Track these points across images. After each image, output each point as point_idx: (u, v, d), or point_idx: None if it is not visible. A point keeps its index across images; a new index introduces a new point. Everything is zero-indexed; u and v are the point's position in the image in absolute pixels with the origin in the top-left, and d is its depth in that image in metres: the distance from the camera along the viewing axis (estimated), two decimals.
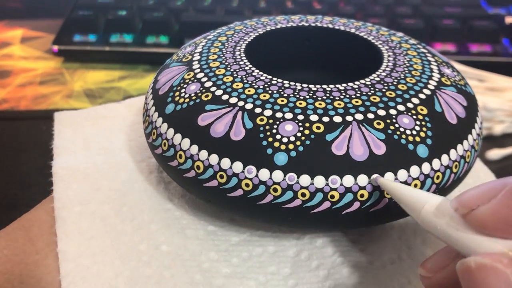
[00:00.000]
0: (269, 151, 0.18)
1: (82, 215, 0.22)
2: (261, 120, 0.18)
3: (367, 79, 0.21)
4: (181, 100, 0.20)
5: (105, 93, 0.38)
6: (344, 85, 0.20)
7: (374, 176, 0.18)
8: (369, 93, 0.20)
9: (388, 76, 0.21)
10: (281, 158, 0.18)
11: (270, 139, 0.18)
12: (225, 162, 0.18)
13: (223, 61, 0.22)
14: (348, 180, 0.18)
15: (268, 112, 0.19)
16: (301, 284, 0.20)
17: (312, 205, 0.18)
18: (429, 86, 0.21)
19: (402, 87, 0.20)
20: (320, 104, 0.19)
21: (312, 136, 0.18)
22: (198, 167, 0.19)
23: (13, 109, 0.36)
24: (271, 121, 0.18)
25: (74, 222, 0.21)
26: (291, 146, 0.18)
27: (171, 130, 0.20)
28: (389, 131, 0.18)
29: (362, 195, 0.18)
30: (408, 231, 0.22)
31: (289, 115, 0.19)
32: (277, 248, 0.21)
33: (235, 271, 0.20)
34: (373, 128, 0.18)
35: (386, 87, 0.20)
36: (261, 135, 0.18)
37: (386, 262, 0.21)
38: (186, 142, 0.19)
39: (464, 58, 0.40)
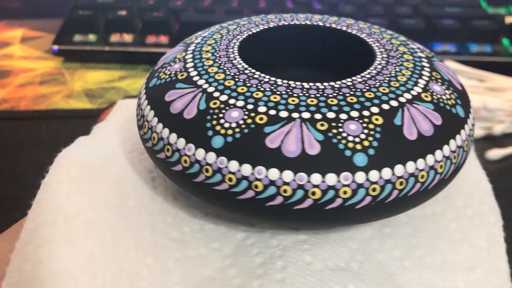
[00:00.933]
0: (210, 133, 0.19)
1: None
2: (214, 103, 0.19)
3: (338, 82, 0.21)
4: (163, 76, 0.22)
5: (105, 93, 0.38)
6: (311, 84, 0.20)
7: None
8: (330, 95, 0.20)
9: (363, 82, 0.21)
10: (218, 141, 0.18)
11: (214, 122, 0.19)
12: (172, 137, 0.20)
13: (215, 53, 0.23)
14: (273, 173, 0.18)
15: (223, 97, 0.20)
16: (236, 265, 0.21)
17: (237, 191, 0.19)
18: (399, 98, 0.20)
19: (369, 94, 0.20)
20: (275, 97, 0.19)
21: (252, 126, 0.18)
22: (154, 139, 0.20)
23: (13, 109, 0.36)
24: (222, 105, 0.19)
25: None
26: (229, 132, 0.19)
27: (146, 104, 0.22)
28: (330, 134, 0.18)
29: (285, 191, 0.18)
30: (369, 246, 0.22)
31: (240, 103, 0.19)
32: (229, 229, 0.22)
33: (182, 238, 0.21)
34: (314, 129, 0.18)
35: (351, 93, 0.20)
36: (208, 117, 0.19)
37: (327, 267, 0.20)
38: (151, 114, 0.21)
39: (464, 58, 0.40)
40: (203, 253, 0.21)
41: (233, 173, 0.18)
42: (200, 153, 0.19)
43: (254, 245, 0.22)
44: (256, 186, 0.18)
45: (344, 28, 0.26)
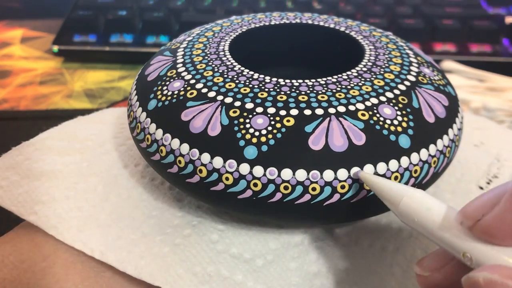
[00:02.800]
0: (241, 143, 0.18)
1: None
2: (234, 112, 0.19)
3: (332, 78, 0.21)
4: (163, 98, 0.21)
5: (105, 93, 0.38)
6: (313, 80, 0.21)
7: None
8: (320, 92, 0.20)
9: (357, 77, 0.21)
10: (250, 152, 0.18)
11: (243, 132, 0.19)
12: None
13: (206, 57, 0.23)
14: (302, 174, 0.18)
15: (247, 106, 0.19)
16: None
17: (265, 195, 0.18)
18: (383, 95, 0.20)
19: (353, 92, 0.20)
20: (281, 97, 0.20)
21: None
22: (180, 162, 0.19)
23: (13, 109, 0.36)
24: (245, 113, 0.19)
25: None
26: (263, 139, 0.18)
27: (154, 125, 0.21)
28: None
29: (314, 189, 0.18)
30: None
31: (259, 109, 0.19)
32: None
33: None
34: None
35: (338, 89, 0.20)
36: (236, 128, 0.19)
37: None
38: (167, 137, 0.20)
39: (464, 58, 0.40)
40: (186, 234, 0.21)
41: (258, 179, 0.18)
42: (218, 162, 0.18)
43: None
44: (286, 188, 0.18)
45: (332, 26, 0.26)
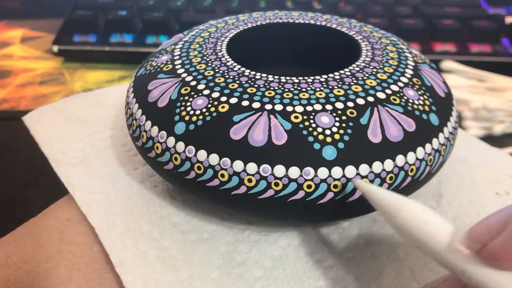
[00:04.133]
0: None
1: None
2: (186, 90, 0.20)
3: (312, 77, 0.21)
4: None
5: None
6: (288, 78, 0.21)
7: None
8: (303, 89, 0.20)
9: (350, 76, 0.21)
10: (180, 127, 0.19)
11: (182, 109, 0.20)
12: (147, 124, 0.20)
13: (205, 59, 0.23)
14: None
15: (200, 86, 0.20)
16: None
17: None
18: (369, 98, 0.20)
19: (338, 93, 0.20)
20: (287, 94, 0.20)
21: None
22: (223, 175, 0.19)
23: (13, 109, 0.36)
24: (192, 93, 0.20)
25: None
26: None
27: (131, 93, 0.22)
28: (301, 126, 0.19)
29: (309, 186, 0.18)
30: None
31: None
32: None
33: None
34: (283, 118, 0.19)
35: (322, 88, 0.20)
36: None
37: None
38: (134, 102, 0.22)
39: (464, 58, 0.40)
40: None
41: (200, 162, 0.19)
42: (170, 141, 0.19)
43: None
44: (223, 175, 0.18)
45: (334, 26, 0.26)
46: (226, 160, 0.18)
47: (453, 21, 0.43)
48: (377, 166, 0.18)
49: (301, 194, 0.18)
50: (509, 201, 0.24)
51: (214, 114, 0.19)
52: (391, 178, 0.18)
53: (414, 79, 0.22)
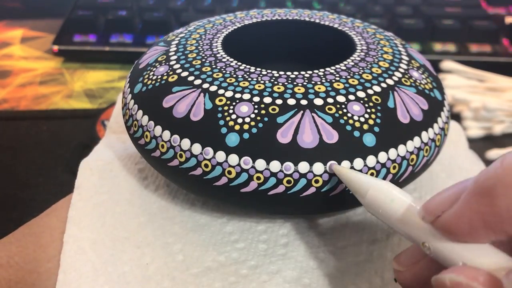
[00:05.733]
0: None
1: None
2: (220, 100, 0.19)
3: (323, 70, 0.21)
4: (149, 82, 0.21)
5: (105, 93, 0.38)
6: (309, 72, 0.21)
7: (330, 163, 0.18)
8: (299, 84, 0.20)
9: (346, 69, 0.21)
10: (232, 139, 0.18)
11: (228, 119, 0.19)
12: (185, 143, 0.19)
13: (200, 52, 0.23)
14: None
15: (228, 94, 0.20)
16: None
17: (239, 184, 0.18)
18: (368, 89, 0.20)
19: (318, 88, 0.20)
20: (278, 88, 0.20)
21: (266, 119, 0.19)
22: (163, 146, 0.20)
23: (13, 109, 0.36)
24: (228, 102, 0.19)
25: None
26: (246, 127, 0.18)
27: (140, 112, 0.21)
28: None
29: (316, 181, 0.18)
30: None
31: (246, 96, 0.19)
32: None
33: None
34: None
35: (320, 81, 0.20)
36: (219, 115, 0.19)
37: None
38: (150, 122, 0.20)
39: (464, 58, 0.40)
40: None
41: (233, 167, 0.18)
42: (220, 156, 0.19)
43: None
44: (259, 178, 0.18)
45: (327, 23, 0.26)
46: (288, 165, 0.18)
47: (453, 21, 0.43)
48: (409, 145, 0.19)
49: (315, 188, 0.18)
50: None
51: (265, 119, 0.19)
52: (426, 150, 0.20)
53: (412, 61, 0.23)
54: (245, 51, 0.24)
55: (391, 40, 0.24)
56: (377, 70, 0.21)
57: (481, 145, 0.30)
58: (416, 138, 0.20)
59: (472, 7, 0.46)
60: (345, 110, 0.19)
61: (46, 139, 0.31)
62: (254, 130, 0.18)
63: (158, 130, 0.20)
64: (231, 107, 0.19)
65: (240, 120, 0.19)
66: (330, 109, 0.19)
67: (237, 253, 0.20)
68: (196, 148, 0.19)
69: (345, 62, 0.22)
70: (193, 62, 0.22)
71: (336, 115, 0.19)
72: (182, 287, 0.19)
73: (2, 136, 0.33)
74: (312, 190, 0.18)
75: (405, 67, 0.22)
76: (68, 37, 0.42)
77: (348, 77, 0.20)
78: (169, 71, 0.21)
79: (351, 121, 0.19)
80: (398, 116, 0.19)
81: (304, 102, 0.19)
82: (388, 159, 0.19)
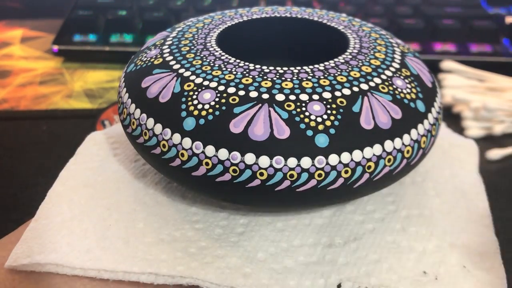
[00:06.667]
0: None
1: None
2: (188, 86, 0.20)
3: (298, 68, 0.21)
4: (139, 63, 0.23)
5: (105, 93, 0.38)
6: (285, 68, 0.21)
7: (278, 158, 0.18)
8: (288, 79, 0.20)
9: (335, 67, 0.21)
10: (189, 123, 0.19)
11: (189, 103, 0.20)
12: (150, 122, 0.20)
13: (192, 40, 0.24)
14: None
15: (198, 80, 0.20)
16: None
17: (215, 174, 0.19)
18: (361, 85, 0.20)
19: (324, 82, 0.20)
20: (247, 80, 0.20)
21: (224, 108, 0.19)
22: (133, 124, 0.21)
23: (13, 109, 0.36)
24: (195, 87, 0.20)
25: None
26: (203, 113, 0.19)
27: (124, 90, 0.22)
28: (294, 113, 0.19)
29: (261, 173, 0.18)
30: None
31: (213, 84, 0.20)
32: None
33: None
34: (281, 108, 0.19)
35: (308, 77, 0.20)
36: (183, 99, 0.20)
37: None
38: (129, 100, 0.22)
39: (464, 58, 0.40)
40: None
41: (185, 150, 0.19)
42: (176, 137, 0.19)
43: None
44: (235, 171, 0.19)
45: (325, 21, 0.26)
46: (235, 154, 0.18)
47: (453, 21, 0.43)
48: (367, 152, 0.19)
49: (286, 183, 0.18)
50: None
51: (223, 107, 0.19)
52: (389, 160, 0.19)
53: (403, 69, 0.22)
54: (245, 47, 0.25)
55: (390, 46, 0.24)
56: (355, 74, 0.21)
57: (481, 145, 0.30)
58: (377, 146, 0.19)
59: (472, 7, 0.46)
60: (303, 109, 0.19)
61: (46, 139, 0.31)
62: (210, 117, 0.19)
63: (132, 108, 0.21)
64: (196, 93, 0.20)
65: (200, 106, 0.19)
66: (289, 105, 0.19)
67: (193, 232, 0.21)
68: (158, 128, 0.20)
69: (326, 63, 0.22)
70: (182, 49, 0.23)
71: (293, 112, 0.19)
72: (132, 251, 0.20)
73: (2, 136, 0.33)
74: (256, 182, 0.18)
75: (389, 74, 0.21)
76: (68, 37, 0.42)
77: (322, 77, 0.20)
78: (158, 54, 0.23)
79: (306, 120, 0.18)
80: (360, 121, 0.19)
81: (265, 96, 0.19)
82: (340, 162, 0.18)
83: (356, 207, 0.23)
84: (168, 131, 0.19)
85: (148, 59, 0.23)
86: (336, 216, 0.22)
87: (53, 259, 0.19)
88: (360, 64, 0.22)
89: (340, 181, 0.19)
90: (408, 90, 0.21)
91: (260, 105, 0.19)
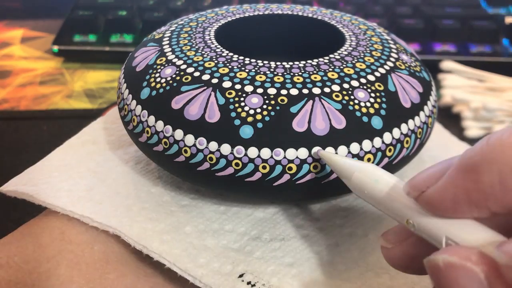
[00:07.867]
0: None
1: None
2: (229, 93, 0.20)
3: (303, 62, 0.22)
4: (158, 86, 0.22)
5: (105, 93, 0.38)
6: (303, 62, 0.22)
7: (315, 149, 0.19)
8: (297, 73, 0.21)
9: (339, 59, 0.22)
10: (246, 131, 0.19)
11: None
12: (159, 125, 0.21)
13: (193, 45, 0.23)
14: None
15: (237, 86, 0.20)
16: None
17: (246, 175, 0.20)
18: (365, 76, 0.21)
19: (315, 77, 0.21)
20: (278, 78, 0.20)
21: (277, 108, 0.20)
22: (166, 143, 0.21)
23: (13, 109, 0.36)
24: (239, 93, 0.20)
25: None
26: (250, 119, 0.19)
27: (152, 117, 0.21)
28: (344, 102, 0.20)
29: (316, 167, 0.19)
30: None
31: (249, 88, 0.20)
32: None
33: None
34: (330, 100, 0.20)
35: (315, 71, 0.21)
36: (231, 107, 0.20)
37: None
38: (164, 125, 0.21)
39: (464, 58, 0.40)
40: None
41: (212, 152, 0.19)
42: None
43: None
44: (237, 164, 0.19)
45: (320, 17, 0.27)
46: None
47: (453, 21, 0.43)
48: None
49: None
50: None
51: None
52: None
53: (397, 45, 0.24)
54: (237, 45, 0.25)
55: (375, 30, 0.25)
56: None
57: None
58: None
59: (472, 7, 0.46)
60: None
61: (46, 139, 0.31)
62: (266, 120, 0.19)
63: (168, 129, 0.20)
64: (242, 102, 0.20)
65: (252, 111, 0.19)
66: (337, 96, 0.20)
67: (146, 197, 0.23)
68: (159, 125, 0.21)
69: (335, 53, 0.22)
70: (195, 59, 0.22)
71: (344, 100, 0.20)
72: (105, 206, 0.22)
73: (2, 136, 0.33)
74: (286, 177, 0.19)
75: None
76: (68, 37, 0.42)
77: (342, 66, 0.21)
78: (177, 71, 0.22)
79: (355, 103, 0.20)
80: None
81: (317, 91, 0.20)
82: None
83: (302, 212, 0.23)
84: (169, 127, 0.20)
85: (168, 78, 0.22)
86: (279, 214, 0.23)
87: (44, 189, 0.22)
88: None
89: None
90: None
91: (312, 100, 0.20)
